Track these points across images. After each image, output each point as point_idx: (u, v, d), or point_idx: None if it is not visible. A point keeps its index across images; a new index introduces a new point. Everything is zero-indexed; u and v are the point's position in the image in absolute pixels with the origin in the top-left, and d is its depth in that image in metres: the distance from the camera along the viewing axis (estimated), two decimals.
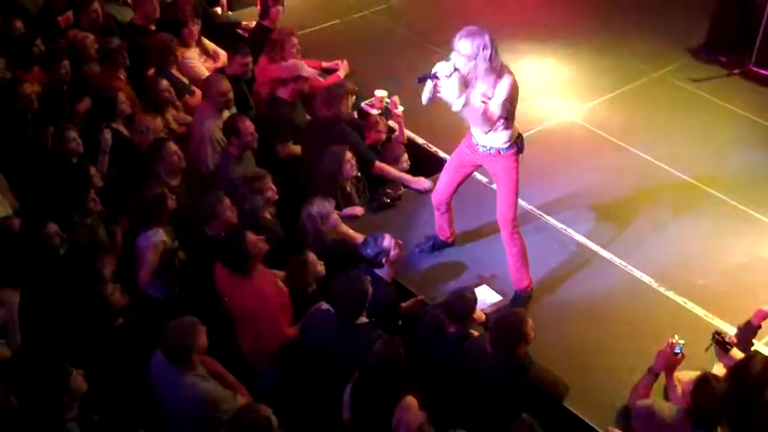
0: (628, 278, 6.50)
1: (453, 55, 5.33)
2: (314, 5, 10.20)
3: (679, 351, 5.01)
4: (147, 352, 4.97)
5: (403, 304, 5.92)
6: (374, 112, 7.84)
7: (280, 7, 8.33)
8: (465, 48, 5.29)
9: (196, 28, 8.22)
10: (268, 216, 6.11)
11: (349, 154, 6.55)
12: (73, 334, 5.16)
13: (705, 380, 4.55)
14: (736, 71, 9.12)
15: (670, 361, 5.05)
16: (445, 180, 6.23)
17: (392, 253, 5.58)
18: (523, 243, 6.02)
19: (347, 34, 9.65)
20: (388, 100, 7.95)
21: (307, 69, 7.31)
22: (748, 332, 5.38)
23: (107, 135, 6.51)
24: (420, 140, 7.84)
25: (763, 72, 9.01)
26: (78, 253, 5.69)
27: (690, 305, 6.25)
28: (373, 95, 8.05)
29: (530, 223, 6.76)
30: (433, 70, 5.34)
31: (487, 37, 5.31)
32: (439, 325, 5.29)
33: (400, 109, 7.77)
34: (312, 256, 5.65)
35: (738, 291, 6.31)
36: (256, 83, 7.90)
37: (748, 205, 7.23)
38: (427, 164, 7.56)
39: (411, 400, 4.69)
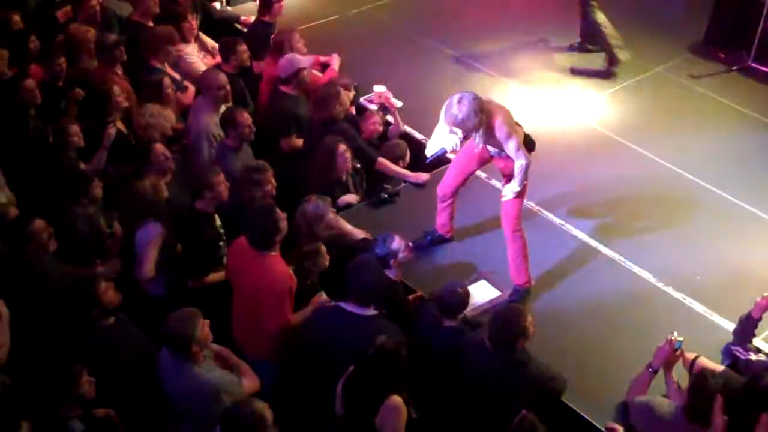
0: (626, 274, 6.50)
1: (456, 129, 5.57)
2: (313, 0, 10.18)
3: (678, 347, 5.01)
4: (143, 351, 4.96)
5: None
6: (373, 107, 7.83)
7: (282, 3, 8.30)
8: (469, 122, 5.49)
9: (195, 23, 8.20)
10: None
11: (342, 147, 6.54)
12: (64, 332, 5.14)
13: (701, 376, 4.55)
14: (735, 68, 9.12)
15: (669, 358, 5.05)
16: (453, 173, 6.27)
17: (401, 255, 5.58)
18: (524, 240, 6.04)
19: (346, 30, 9.64)
20: (386, 96, 7.94)
21: (303, 59, 7.28)
22: (748, 326, 5.38)
23: (111, 131, 6.49)
24: (418, 135, 7.83)
25: (762, 68, 9.02)
26: (79, 244, 5.70)
27: (689, 301, 6.25)
28: (371, 91, 8.04)
29: (530, 220, 6.73)
30: (441, 150, 5.85)
31: (477, 102, 5.48)
32: (435, 321, 5.29)
33: (399, 104, 7.78)
34: (323, 248, 5.64)
35: (737, 287, 6.30)
36: (263, 82, 7.88)
37: (746, 200, 7.24)
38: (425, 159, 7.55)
39: (397, 401, 4.61)
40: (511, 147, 5.66)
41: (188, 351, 4.65)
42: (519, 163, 5.70)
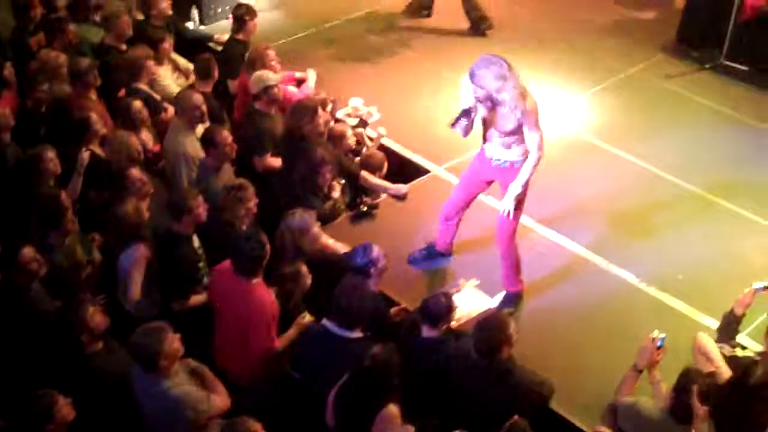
0: (608, 276, 6.53)
1: (477, 90, 5.39)
2: (288, 15, 10.19)
3: (660, 345, 5.02)
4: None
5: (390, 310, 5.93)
6: (350, 121, 7.84)
7: (256, 21, 8.29)
8: (490, 82, 5.34)
9: (170, 44, 8.19)
10: (244, 228, 6.08)
11: (328, 167, 6.54)
12: (53, 360, 5.11)
13: (687, 375, 4.57)
14: (708, 66, 9.18)
15: (653, 357, 5.06)
16: (459, 192, 6.23)
17: (380, 263, 5.59)
18: (518, 253, 6.06)
19: (321, 44, 9.62)
20: (363, 110, 7.96)
21: (274, 76, 7.26)
22: (732, 322, 5.41)
23: (84, 155, 6.47)
24: (396, 147, 7.85)
25: (734, 65, 9.07)
26: (56, 275, 5.66)
27: (671, 300, 6.28)
28: (347, 104, 8.05)
29: None
30: (462, 111, 5.52)
31: (506, 66, 5.36)
32: (418, 332, 5.29)
33: (377, 116, 7.83)
34: (304, 268, 5.63)
35: (718, 284, 6.34)
36: (237, 100, 7.88)
37: (724, 198, 7.28)
38: (404, 170, 7.57)
39: (393, 411, 4.63)
40: (533, 137, 5.52)
41: (155, 365, 4.65)
42: (534, 157, 5.59)
